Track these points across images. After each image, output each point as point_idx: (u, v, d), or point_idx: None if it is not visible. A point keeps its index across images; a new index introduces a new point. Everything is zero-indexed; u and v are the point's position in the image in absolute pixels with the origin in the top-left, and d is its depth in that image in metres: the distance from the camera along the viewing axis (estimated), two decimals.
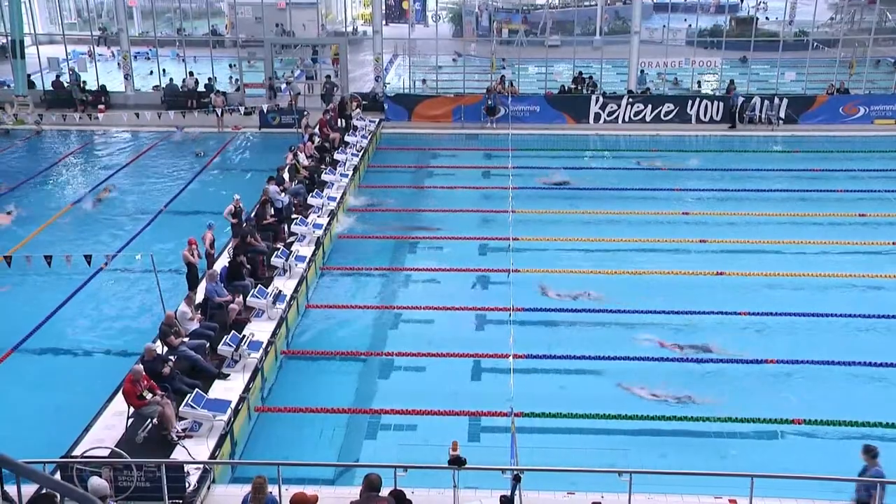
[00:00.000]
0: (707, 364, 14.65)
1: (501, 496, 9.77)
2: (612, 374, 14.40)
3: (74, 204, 22.95)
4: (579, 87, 33.10)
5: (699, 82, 35.14)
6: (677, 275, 18.17)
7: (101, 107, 32.07)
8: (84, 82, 33.19)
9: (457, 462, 9.90)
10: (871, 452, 9.82)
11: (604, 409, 13.14)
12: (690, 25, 38.65)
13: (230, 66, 37.78)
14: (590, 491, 10.12)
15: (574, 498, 10.37)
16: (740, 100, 30.62)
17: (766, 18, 46.58)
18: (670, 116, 30.93)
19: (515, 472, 9.81)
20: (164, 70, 35.98)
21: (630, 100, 31.24)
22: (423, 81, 35.57)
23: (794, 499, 10.51)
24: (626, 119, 31.17)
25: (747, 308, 16.52)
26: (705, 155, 28.49)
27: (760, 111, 30.79)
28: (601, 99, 31.35)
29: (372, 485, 8.93)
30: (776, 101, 30.77)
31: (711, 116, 31.02)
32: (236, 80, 35.42)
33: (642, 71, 33.71)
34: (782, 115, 30.68)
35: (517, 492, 9.74)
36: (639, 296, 17.15)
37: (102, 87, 33.43)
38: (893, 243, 19.98)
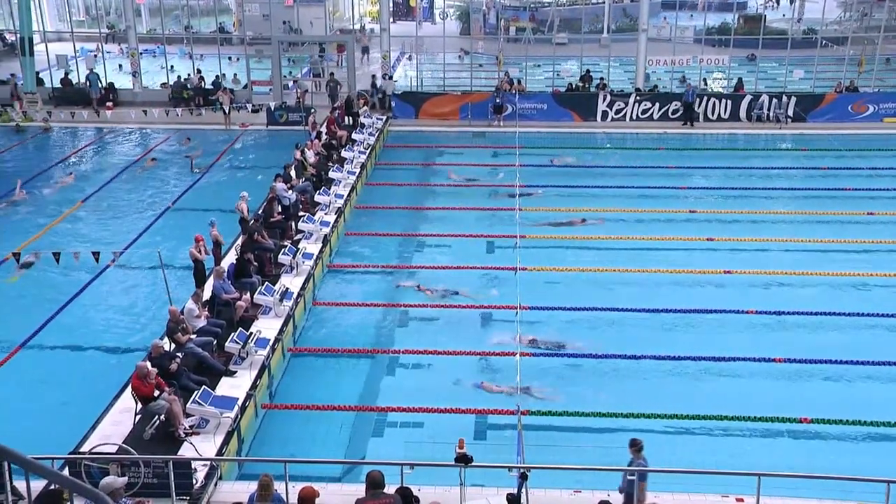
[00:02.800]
0: (711, 363, 14.60)
1: (508, 494, 9.76)
2: (619, 373, 14.40)
3: (84, 201, 23.01)
4: (587, 85, 33.04)
5: (706, 80, 35.01)
6: (684, 273, 18.13)
7: (109, 104, 32.15)
8: (110, 83, 33.23)
9: (463, 460, 9.91)
10: (636, 446, 9.95)
11: (611, 408, 13.12)
12: (697, 23, 38.56)
13: (229, 58, 37.77)
14: (596, 489, 10.11)
15: (581, 496, 10.37)
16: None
17: (783, 15, 46.42)
18: (678, 115, 30.87)
19: (522, 470, 9.81)
20: (171, 66, 36.02)
21: (638, 98, 31.17)
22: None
23: (801, 498, 10.48)
24: (634, 117, 31.11)
25: (754, 306, 16.48)
26: (713, 153, 28.43)
27: (768, 109, 30.70)
28: (608, 97, 31.29)
29: (375, 482, 8.95)
30: (784, 99, 30.68)
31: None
32: (234, 75, 35.16)
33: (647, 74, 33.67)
34: (790, 113, 30.58)
35: (524, 490, 9.74)
36: (645, 293, 17.13)
37: (110, 85, 33.53)
38: None
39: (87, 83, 32.95)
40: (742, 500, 10.38)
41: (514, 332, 15.22)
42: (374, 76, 33.62)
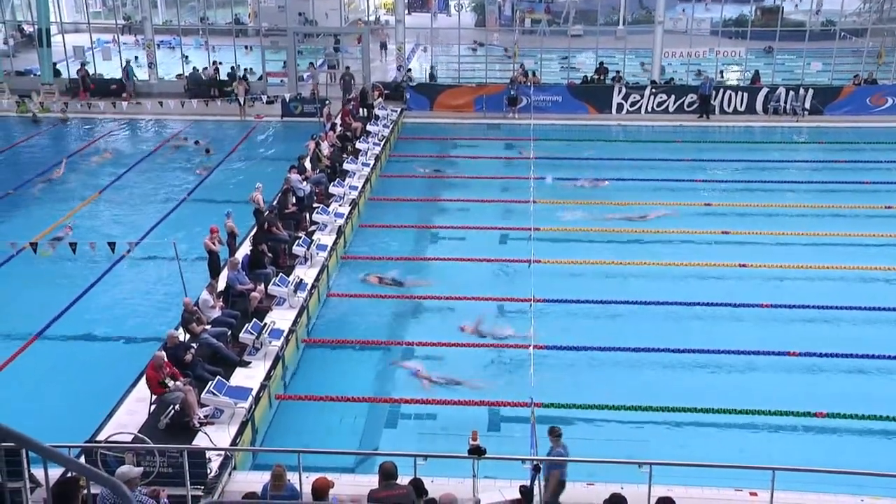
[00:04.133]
0: (725, 356, 14.54)
1: (521, 486, 9.78)
2: (633, 365, 14.37)
3: (101, 192, 23.15)
4: (602, 78, 32.89)
5: (722, 72, 34.77)
6: (699, 266, 18.05)
7: (125, 95, 32.28)
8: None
9: (476, 452, 9.92)
10: (554, 433, 10.04)
11: (624, 401, 13.10)
12: (713, 15, 38.27)
13: (245, 48, 37.85)
14: (609, 482, 10.10)
15: (594, 489, 10.36)
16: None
17: (795, 6, 46.00)
18: (694, 107, 30.68)
19: (535, 463, 9.82)
20: (186, 57, 36.10)
21: (653, 90, 31.00)
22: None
23: (815, 493, 10.43)
24: (649, 109, 30.94)
25: (769, 300, 16.39)
26: (729, 146, 28.27)
27: (786, 102, 30.46)
28: (624, 89, 31.14)
29: (388, 473, 8.97)
30: (801, 91, 30.43)
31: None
32: (243, 68, 35.08)
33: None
34: (807, 105, 30.34)
35: (536, 482, 9.75)
36: (660, 286, 17.08)
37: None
38: None
39: (125, 74, 33.08)
40: (756, 494, 10.34)
41: (528, 324, 15.20)
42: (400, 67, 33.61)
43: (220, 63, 33.60)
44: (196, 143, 27.61)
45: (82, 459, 10.10)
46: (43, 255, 17.02)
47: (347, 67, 33.75)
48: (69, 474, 8.45)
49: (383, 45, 40.29)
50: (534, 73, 32.54)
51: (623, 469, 10.41)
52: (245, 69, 33.82)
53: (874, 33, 36.00)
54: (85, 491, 6.22)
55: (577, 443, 12.04)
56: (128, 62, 33.59)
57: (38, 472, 8.43)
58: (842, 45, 35.30)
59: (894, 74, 33.17)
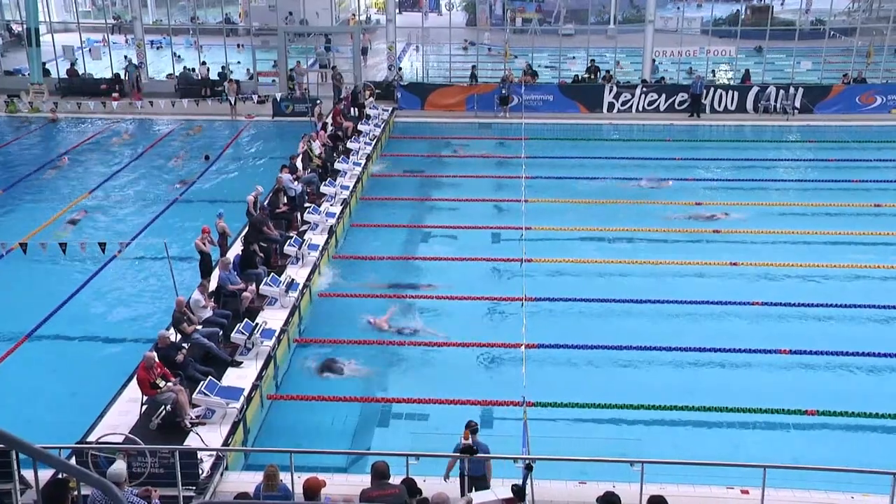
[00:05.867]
0: (716, 354, 14.59)
1: (513, 485, 9.76)
2: (625, 364, 14.40)
3: (91, 192, 23.05)
4: (593, 77, 32.94)
5: (713, 71, 34.87)
6: (690, 265, 18.11)
7: (115, 95, 32.16)
8: (115, 74, 33.24)
9: (468, 451, 9.92)
10: (471, 428, 10.09)
11: (616, 399, 13.13)
12: (704, 14, 38.39)
13: (237, 46, 37.80)
14: (602, 480, 10.11)
15: (586, 487, 10.38)
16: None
17: (782, 5, 46.12)
18: (684, 106, 30.77)
19: (527, 461, 9.82)
20: (178, 56, 35.96)
21: (644, 89, 31.07)
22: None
23: (806, 490, 10.47)
24: (640, 108, 31.01)
25: (760, 298, 16.45)
26: (719, 145, 28.35)
27: (776, 101, 30.57)
28: (615, 88, 31.20)
29: (380, 472, 8.97)
30: (791, 90, 30.55)
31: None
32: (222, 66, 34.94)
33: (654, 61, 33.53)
34: (797, 104, 30.45)
35: (529, 481, 9.75)
36: (651, 285, 17.12)
37: (116, 76, 33.54)
38: None
39: (126, 74, 32.94)
40: (747, 491, 10.37)
41: (519, 324, 15.20)
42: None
43: (209, 66, 33.39)
44: (205, 157, 26.03)
45: (73, 461, 10.06)
46: (59, 237, 16.90)
47: (334, 67, 33.73)
48: (60, 475, 8.43)
49: (364, 51, 40.25)
50: (535, 73, 32.55)
51: (615, 468, 10.42)
52: (224, 67, 33.58)
53: (863, 32, 36.16)
54: (75, 492, 6.20)
55: (569, 441, 12.09)
56: (129, 62, 33.49)
57: (28, 474, 8.38)
58: (831, 43, 35.44)
59: (883, 73, 33.33)
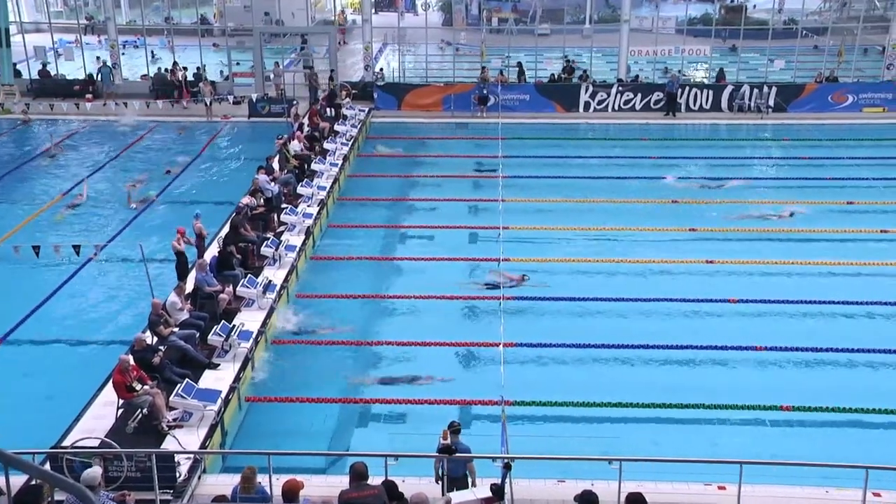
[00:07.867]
0: (693, 351, 14.70)
1: (492, 484, 9.78)
2: (604, 362, 14.47)
3: (65, 193, 22.79)
4: (569, 76, 33.04)
5: (680, 70, 35.05)
6: (666, 263, 18.24)
7: (89, 96, 31.81)
8: (89, 75, 32.85)
9: (447, 451, 9.93)
10: (452, 428, 10.25)
11: (594, 397, 13.19)
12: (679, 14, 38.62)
13: (213, 45, 37.57)
14: (580, 479, 10.15)
15: (564, 486, 10.41)
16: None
17: (754, 6, 46.50)
18: (660, 105, 30.96)
19: (506, 461, 9.83)
20: (153, 53, 35.57)
21: (620, 88, 31.23)
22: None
23: (782, 486, 10.57)
24: (616, 108, 31.17)
25: (736, 295, 16.59)
26: (696, 143, 28.56)
27: (749, 99, 30.86)
28: (591, 88, 31.33)
29: (359, 473, 8.95)
30: (765, 89, 30.84)
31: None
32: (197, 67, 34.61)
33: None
34: (771, 103, 30.75)
35: (508, 480, 9.76)
36: (628, 283, 17.22)
37: (90, 76, 33.18)
38: (881, 231, 20.07)
39: (99, 76, 32.57)
40: (724, 488, 10.45)
41: (497, 323, 15.24)
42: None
43: (185, 68, 33.01)
44: (167, 171, 24.97)
45: (47, 466, 9.95)
46: (34, 240, 16.55)
47: (311, 67, 33.60)
48: (34, 482, 8.33)
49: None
50: (502, 73, 32.58)
51: (593, 466, 10.47)
52: (200, 69, 33.30)
53: (835, 32, 36.60)
54: (49, 498, 6.14)
55: (548, 440, 12.14)
56: (104, 63, 33.15)
57: (0, 480, 8.27)
58: (804, 43, 35.80)
59: (854, 72, 33.73)
